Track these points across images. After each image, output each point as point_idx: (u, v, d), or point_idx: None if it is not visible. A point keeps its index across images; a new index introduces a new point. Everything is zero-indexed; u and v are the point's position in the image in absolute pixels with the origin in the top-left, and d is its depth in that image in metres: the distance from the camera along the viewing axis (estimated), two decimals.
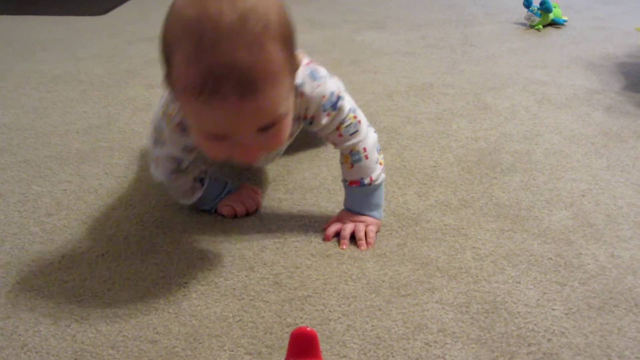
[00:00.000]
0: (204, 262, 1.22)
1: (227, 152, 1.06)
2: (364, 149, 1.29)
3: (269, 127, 1.03)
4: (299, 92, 1.20)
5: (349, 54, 2.46)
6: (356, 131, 1.29)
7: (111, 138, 1.70)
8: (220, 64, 0.93)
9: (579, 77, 2.28)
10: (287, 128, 1.09)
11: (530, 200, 1.47)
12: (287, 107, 1.06)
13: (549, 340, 1.07)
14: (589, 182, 1.57)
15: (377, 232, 1.32)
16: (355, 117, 1.28)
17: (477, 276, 1.21)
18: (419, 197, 1.46)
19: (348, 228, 1.30)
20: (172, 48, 0.98)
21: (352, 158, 1.30)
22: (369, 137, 1.31)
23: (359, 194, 1.34)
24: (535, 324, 1.10)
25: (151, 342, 1.02)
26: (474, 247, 1.29)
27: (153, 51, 2.44)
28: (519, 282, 1.20)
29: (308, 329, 0.80)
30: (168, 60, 1.01)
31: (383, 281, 1.18)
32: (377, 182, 1.32)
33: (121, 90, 2.06)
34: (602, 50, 2.53)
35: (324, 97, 1.23)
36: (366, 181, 1.31)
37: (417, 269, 1.21)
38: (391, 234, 1.33)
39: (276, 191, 1.48)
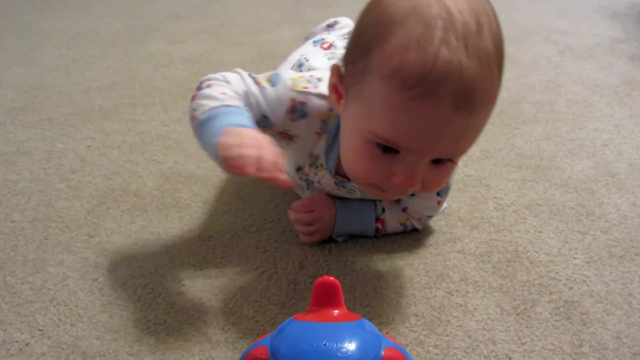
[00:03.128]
0: (228, 215, 1.23)
1: (383, 173, 0.92)
2: None
3: (443, 161, 0.93)
4: None
5: None
6: None
7: (133, 94, 1.71)
8: (447, 62, 0.81)
9: (602, 26, 2.26)
10: (452, 173, 1.00)
11: (552, 150, 1.46)
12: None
13: (570, 288, 1.07)
14: (612, 132, 1.56)
15: None
16: None
17: (499, 226, 1.22)
18: None
19: None
20: (386, 27, 0.85)
21: None
22: None
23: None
24: (556, 273, 1.10)
25: (177, 294, 1.04)
26: (496, 197, 1.30)
27: (172, 7, 2.45)
28: (541, 232, 1.20)
29: (331, 278, 0.80)
30: (374, 39, 0.87)
31: (404, 232, 1.19)
32: None
33: (142, 46, 2.06)
34: None
35: None
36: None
37: (439, 220, 1.22)
38: None
39: None
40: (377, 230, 1.17)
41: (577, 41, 2.12)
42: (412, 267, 1.11)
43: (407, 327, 0.99)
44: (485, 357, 0.94)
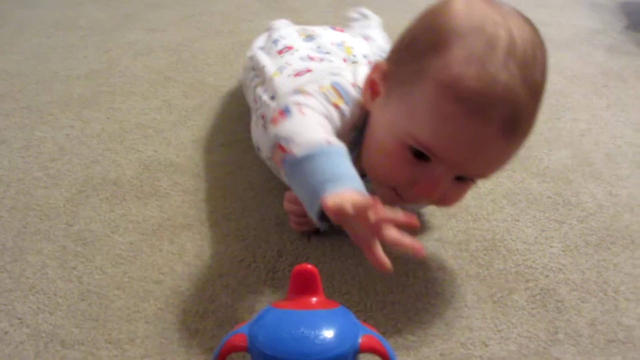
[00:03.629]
0: (207, 204, 1.23)
1: (408, 178, 0.93)
2: None
3: (465, 180, 0.96)
4: None
5: None
6: None
7: (113, 83, 1.70)
8: (505, 86, 0.83)
9: (581, 17, 2.27)
10: (467, 192, 1.02)
11: (530, 140, 1.46)
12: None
13: (547, 276, 1.08)
14: (589, 122, 1.58)
15: None
16: None
17: (477, 215, 1.23)
18: None
19: None
20: (449, 36, 0.86)
21: None
22: None
23: None
24: (533, 261, 1.12)
25: (156, 282, 1.04)
26: (474, 186, 1.30)
27: None
28: (518, 220, 1.22)
29: (309, 266, 0.81)
30: (434, 45, 0.88)
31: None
32: None
33: (122, 34, 2.05)
34: None
35: None
36: None
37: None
38: None
39: None
40: None
41: (555, 31, 2.13)
42: (390, 255, 1.11)
43: (384, 314, 0.99)
44: (462, 344, 0.95)
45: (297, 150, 0.86)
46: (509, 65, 0.83)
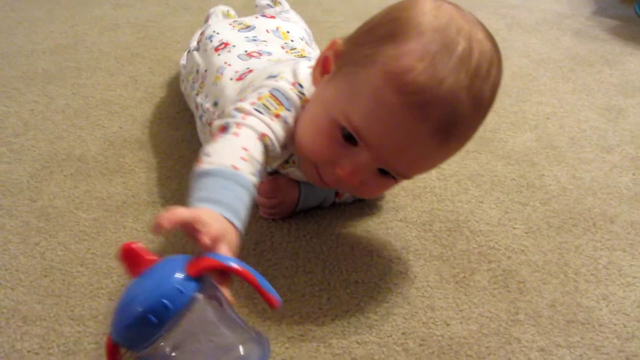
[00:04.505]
0: (172, 181, 1.22)
1: (332, 158, 0.93)
2: None
3: (390, 175, 0.94)
4: None
5: None
6: None
7: (78, 58, 1.69)
8: (449, 91, 0.82)
9: (549, 1, 2.28)
10: (389, 189, 1.06)
11: (496, 122, 1.48)
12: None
13: (509, 257, 1.10)
14: (555, 106, 1.59)
15: None
16: None
17: (441, 196, 1.23)
18: None
19: None
20: (411, 30, 0.86)
21: None
22: None
23: None
24: (496, 242, 1.13)
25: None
26: (439, 168, 1.31)
27: None
28: (482, 202, 1.22)
29: (123, 246, 0.74)
30: (394, 34, 0.87)
31: (349, 201, 1.20)
32: None
33: (88, 9, 2.02)
34: None
35: None
36: None
37: None
38: None
39: None
40: (332, 202, 1.19)
41: (524, 15, 2.14)
42: (354, 235, 1.12)
43: (347, 293, 1.00)
44: (423, 323, 0.96)
45: (204, 165, 0.86)
46: (459, 72, 0.83)
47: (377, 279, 1.03)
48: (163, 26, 1.88)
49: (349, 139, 0.90)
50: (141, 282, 0.71)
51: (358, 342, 0.92)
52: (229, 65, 1.19)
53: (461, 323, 0.96)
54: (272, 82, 1.01)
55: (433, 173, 1.29)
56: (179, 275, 0.70)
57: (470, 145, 1.36)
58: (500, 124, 1.48)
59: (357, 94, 0.88)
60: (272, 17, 1.43)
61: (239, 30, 1.32)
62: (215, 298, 0.73)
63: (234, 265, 0.73)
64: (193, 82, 1.30)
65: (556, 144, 1.43)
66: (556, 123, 1.51)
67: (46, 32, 1.83)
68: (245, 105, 0.96)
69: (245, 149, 0.89)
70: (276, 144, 0.95)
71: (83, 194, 1.18)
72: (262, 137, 0.93)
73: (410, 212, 1.18)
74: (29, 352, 0.88)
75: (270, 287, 0.74)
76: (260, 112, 0.95)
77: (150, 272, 0.72)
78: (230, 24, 1.38)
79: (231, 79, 1.16)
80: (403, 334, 0.94)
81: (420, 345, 0.93)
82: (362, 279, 1.03)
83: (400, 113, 0.84)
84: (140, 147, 1.32)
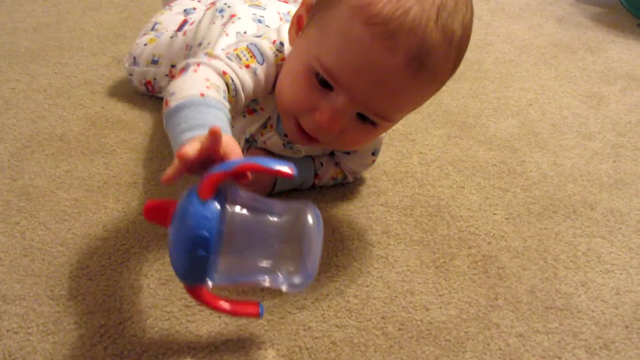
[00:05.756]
0: (153, 162, 1.22)
1: (310, 104, 0.93)
2: None
3: (369, 120, 0.94)
4: None
5: None
6: None
7: (61, 37, 1.68)
8: (415, 19, 0.83)
9: None
10: (371, 139, 1.03)
11: (478, 108, 1.49)
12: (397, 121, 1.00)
13: (489, 243, 1.10)
14: (537, 92, 1.60)
15: None
16: None
17: (423, 180, 1.24)
18: None
19: None
20: None
21: None
22: None
23: None
24: (476, 228, 1.13)
25: (100, 239, 1.03)
26: (421, 153, 1.32)
27: None
28: (463, 187, 1.23)
29: (144, 210, 0.82)
30: None
31: (334, 185, 1.20)
32: None
33: None
34: None
35: None
36: None
37: (364, 173, 1.23)
38: None
39: None
40: (312, 185, 1.18)
41: (508, 1, 2.15)
42: (335, 218, 1.12)
43: (327, 277, 1.00)
44: (403, 307, 0.96)
45: (172, 103, 0.86)
46: (424, 5, 0.84)
47: (357, 263, 1.04)
48: (146, 6, 1.87)
49: (325, 84, 0.90)
50: (174, 229, 0.75)
51: (337, 326, 0.92)
52: (227, 35, 1.18)
53: (440, 308, 0.97)
54: (253, 39, 1.03)
55: (414, 158, 1.29)
56: (197, 205, 0.73)
57: (452, 130, 1.38)
58: (482, 110, 1.49)
59: (326, 34, 0.89)
60: (286, 1, 1.42)
61: (249, 6, 1.30)
62: (239, 202, 0.77)
63: (235, 166, 0.75)
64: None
65: (538, 131, 1.43)
66: (538, 109, 1.52)
67: (28, 11, 1.82)
68: (217, 51, 0.98)
69: (207, 79, 0.90)
70: (239, 88, 0.96)
71: (64, 173, 1.17)
72: (223, 74, 0.93)
73: (391, 197, 1.19)
74: (7, 331, 0.88)
75: (278, 162, 0.75)
76: (230, 60, 0.96)
77: (176, 217, 0.75)
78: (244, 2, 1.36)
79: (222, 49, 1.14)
80: (382, 318, 0.94)
81: (400, 329, 0.93)
82: (342, 263, 1.03)
83: (369, 45, 0.84)
84: (122, 127, 1.32)
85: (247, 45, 1.00)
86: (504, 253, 1.08)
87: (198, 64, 0.93)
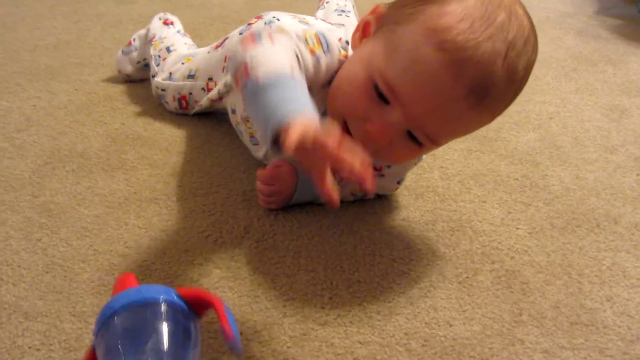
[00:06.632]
0: (175, 178, 1.22)
1: (363, 113, 0.93)
2: None
3: (417, 140, 0.95)
4: None
5: None
6: None
7: (81, 54, 1.69)
8: (486, 55, 0.84)
9: (552, 0, 2.28)
10: (413, 158, 1.07)
11: (499, 122, 1.48)
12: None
13: (512, 258, 1.09)
14: (558, 105, 1.59)
15: None
16: None
17: (444, 195, 1.23)
18: None
19: None
20: None
21: None
22: None
23: None
24: (499, 242, 1.12)
25: (122, 255, 1.03)
26: (442, 167, 1.31)
27: None
28: (485, 202, 1.22)
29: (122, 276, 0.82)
30: None
31: (349, 200, 1.20)
32: None
33: (91, 5, 2.03)
34: None
35: None
36: None
37: None
38: None
39: None
40: None
41: None
42: (357, 234, 1.12)
43: (350, 292, 0.99)
44: (426, 323, 0.95)
45: (262, 77, 0.84)
46: (496, 40, 0.85)
47: (379, 278, 1.03)
48: None
49: (382, 97, 0.91)
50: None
51: (360, 342, 0.92)
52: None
53: (464, 324, 0.96)
54: (322, 29, 1.04)
55: (435, 172, 1.28)
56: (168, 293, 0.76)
57: (473, 145, 1.37)
58: (503, 124, 1.48)
59: (394, 49, 0.90)
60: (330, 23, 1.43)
61: (298, 22, 1.30)
62: None
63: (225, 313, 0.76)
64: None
65: (559, 144, 1.42)
66: (559, 123, 1.51)
67: (49, 28, 1.83)
68: (287, 29, 0.97)
69: (288, 56, 0.90)
70: (303, 70, 0.94)
71: (85, 190, 1.18)
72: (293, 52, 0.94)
73: (413, 212, 1.18)
74: (30, 348, 0.88)
75: (234, 324, 0.75)
76: (300, 40, 0.97)
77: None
78: (291, 15, 1.36)
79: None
80: (406, 334, 0.94)
81: (423, 345, 0.92)
82: (365, 279, 1.03)
83: (436, 69, 0.85)
84: (143, 143, 1.32)
85: (315, 32, 1.01)
86: (528, 268, 1.07)
87: (271, 35, 0.92)
